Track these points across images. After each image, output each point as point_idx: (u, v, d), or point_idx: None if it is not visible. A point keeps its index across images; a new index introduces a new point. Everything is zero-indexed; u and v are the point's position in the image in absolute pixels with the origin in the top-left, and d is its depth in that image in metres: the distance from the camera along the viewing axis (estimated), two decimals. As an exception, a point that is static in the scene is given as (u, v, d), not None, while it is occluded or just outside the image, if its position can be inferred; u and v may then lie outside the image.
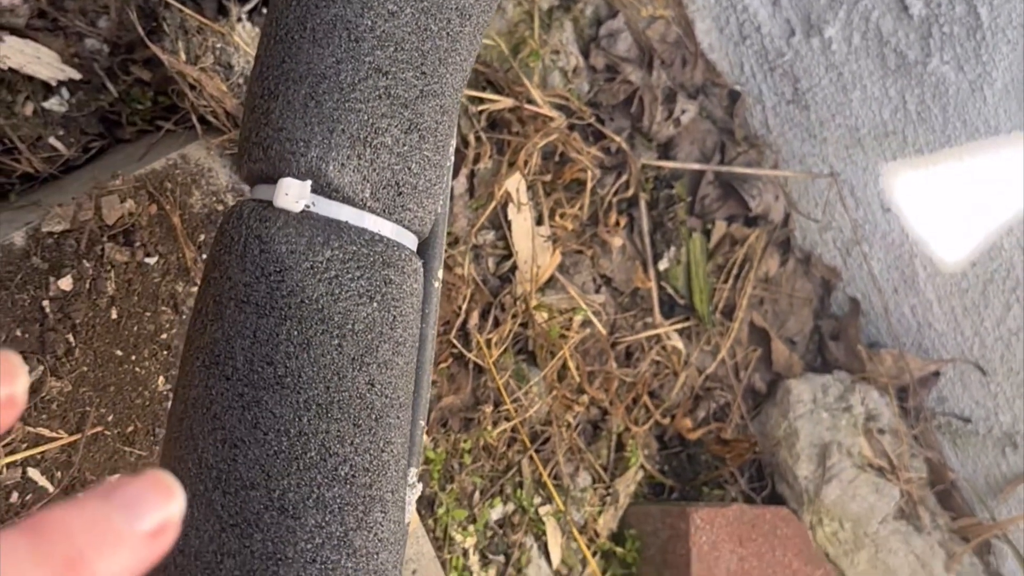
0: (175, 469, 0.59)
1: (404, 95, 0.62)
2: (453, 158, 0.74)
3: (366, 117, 0.61)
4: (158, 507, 0.33)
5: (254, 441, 0.57)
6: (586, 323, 1.39)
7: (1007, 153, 1.39)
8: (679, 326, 1.50)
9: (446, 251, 1.24)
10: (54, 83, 0.98)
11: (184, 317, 0.90)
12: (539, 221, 1.35)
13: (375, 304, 0.60)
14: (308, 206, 0.60)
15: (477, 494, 1.26)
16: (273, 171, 0.61)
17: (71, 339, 0.84)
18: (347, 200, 0.61)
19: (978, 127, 1.40)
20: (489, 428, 1.26)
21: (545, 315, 1.33)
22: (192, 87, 0.94)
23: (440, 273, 0.73)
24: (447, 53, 0.65)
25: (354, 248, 0.60)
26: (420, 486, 0.70)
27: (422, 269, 0.66)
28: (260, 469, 0.57)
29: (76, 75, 0.98)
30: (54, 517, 0.30)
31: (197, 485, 0.58)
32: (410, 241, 0.65)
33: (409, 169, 0.63)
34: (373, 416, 0.60)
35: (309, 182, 0.60)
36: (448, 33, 0.64)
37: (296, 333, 0.58)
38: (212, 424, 0.58)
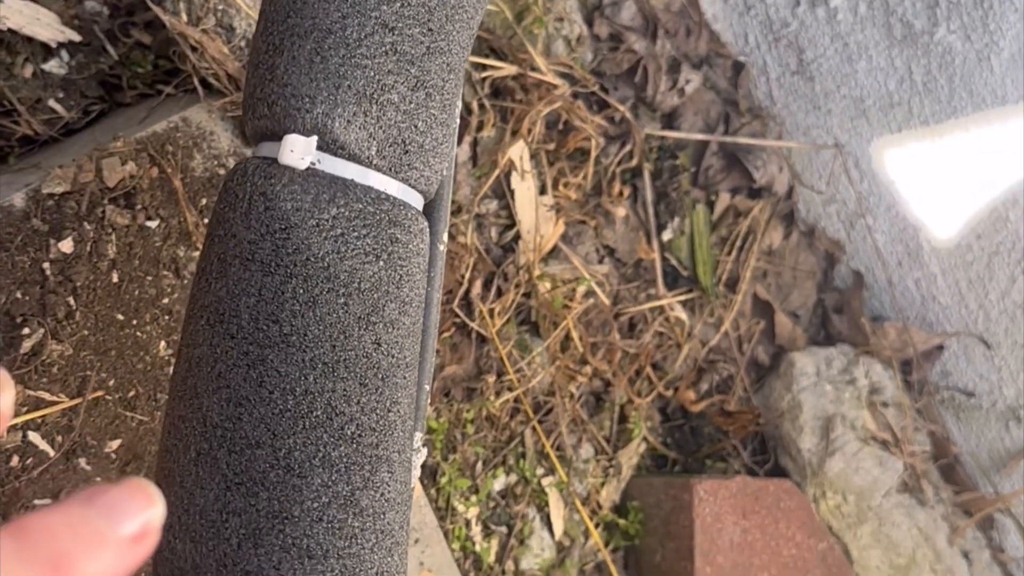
0: (179, 428, 0.58)
1: (411, 52, 0.61)
2: (458, 121, 0.73)
3: (372, 73, 0.60)
4: (139, 512, 0.33)
5: (259, 400, 0.57)
6: (589, 294, 1.38)
7: (1014, 124, 1.38)
8: (682, 298, 1.49)
9: (449, 220, 1.23)
10: (54, 45, 0.97)
11: (186, 281, 0.90)
12: (542, 190, 1.34)
13: (381, 262, 0.59)
14: (313, 163, 0.59)
15: (480, 464, 1.25)
16: (278, 127, 0.60)
17: (72, 302, 0.83)
18: (353, 157, 0.60)
19: (985, 97, 1.39)
20: (492, 398, 1.25)
21: (548, 285, 1.32)
22: (194, 49, 0.92)
23: (445, 236, 0.72)
24: (454, 10, 0.64)
25: (360, 206, 0.59)
26: (425, 451, 0.70)
27: (428, 229, 0.65)
28: (266, 428, 0.56)
29: (76, 37, 0.97)
30: (38, 520, 0.31)
31: (202, 444, 0.57)
32: (416, 200, 0.64)
33: (415, 127, 0.62)
34: (379, 375, 0.59)
35: (315, 138, 0.59)
36: (455, -11, 0.63)
37: (302, 291, 0.57)
38: (217, 383, 0.58)
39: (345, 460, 0.57)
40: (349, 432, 0.57)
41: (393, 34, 0.61)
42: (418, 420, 0.68)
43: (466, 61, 0.68)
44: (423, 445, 0.69)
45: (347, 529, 0.57)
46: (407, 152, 0.62)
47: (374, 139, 0.60)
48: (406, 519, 0.63)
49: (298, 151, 0.59)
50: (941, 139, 1.47)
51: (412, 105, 0.62)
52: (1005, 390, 1.57)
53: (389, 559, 0.59)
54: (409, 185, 0.63)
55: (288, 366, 0.57)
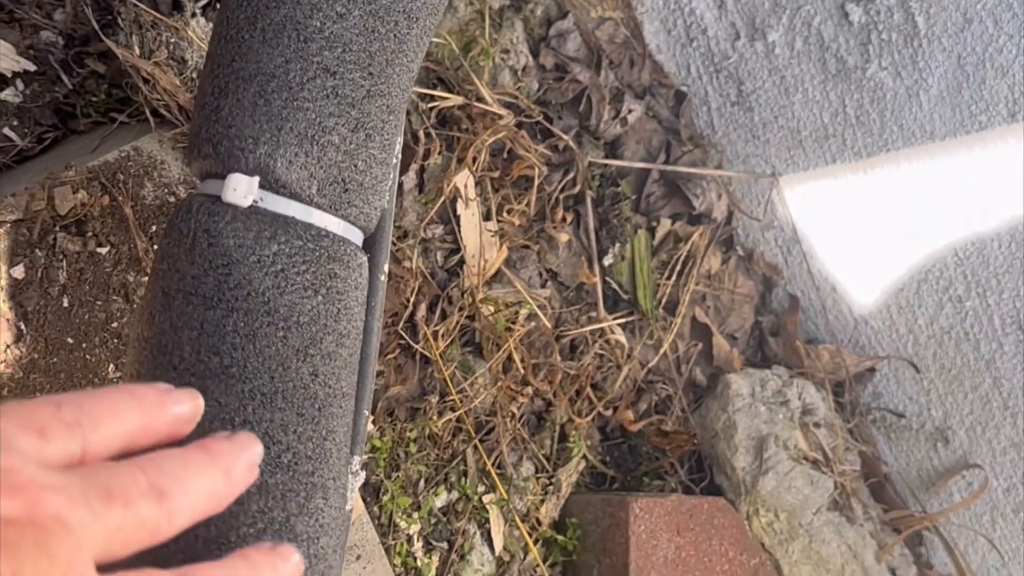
0: (122, 455, 0.60)
1: (351, 95, 0.64)
2: (401, 156, 0.76)
3: (314, 116, 0.62)
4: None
5: (199, 431, 0.59)
6: (532, 316, 1.41)
7: (941, 158, 1.43)
8: (623, 320, 1.53)
9: (395, 244, 1.26)
10: (9, 74, 0.99)
11: (135, 306, 0.92)
12: (487, 216, 1.37)
13: (320, 297, 0.62)
14: (256, 201, 0.61)
15: (422, 482, 1.28)
16: (222, 167, 0.62)
17: (22, 327, 0.86)
18: (294, 196, 0.62)
19: (914, 132, 1.44)
20: (435, 418, 1.28)
21: (491, 308, 1.36)
22: (146, 80, 0.95)
23: (386, 267, 0.74)
24: (394, 55, 0.66)
25: (300, 243, 0.61)
26: (363, 474, 0.72)
27: (367, 263, 0.68)
28: (206, 456, 0.59)
29: (31, 67, 0.99)
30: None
31: (144, 471, 0.59)
32: (356, 236, 0.67)
33: (355, 167, 0.64)
34: (316, 406, 0.61)
35: (257, 178, 0.61)
36: (395, 35, 0.66)
37: (242, 324, 0.59)
38: (160, 412, 0.60)
39: (281, 488, 0.59)
40: (286, 460, 0.59)
41: (334, 78, 0.63)
42: (357, 444, 0.71)
43: (406, 102, 0.71)
44: (361, 468, 0.72)
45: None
46: (347, 190, 0.64)
47: (315, 178, 0.62)
48: (340, 543, 0.65)
49: (241, 190, 0.61)
50: (873, 171, 1.51)
51: (352, 146, 0.64)
52: (933, 412, 1.61)
53: (322, 584, 0.62)
54: (349, 222, 0.65)
55: (228, 397, 0.59)
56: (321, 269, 0.62)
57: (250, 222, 0.60)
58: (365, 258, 0.67)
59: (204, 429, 0.58)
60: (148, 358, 0.61)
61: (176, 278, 0.61)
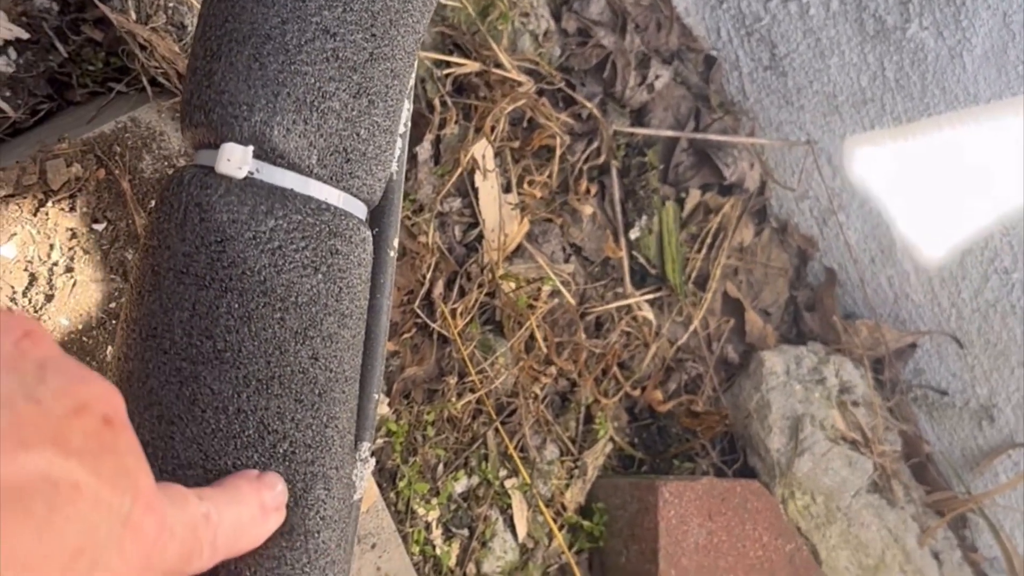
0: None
1: (353, 58, 0.60)
2: (414, 125, 0.72)
3: (312, 80, 0.58)
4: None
5: (192, 419, 0.55)
6: (555, 293, 1.37)
7: (986, 122, 1.37)
8: (650, 296, 1.48)
9: (410, 218, 1.21)
10: (1, 43, 0.94)
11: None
12: (507, 188, 1.33)
13: (320, 275, 0.58)
14: (251, 173, 0.58)
15: (441, 467, 1.24)
16: (215, 136, 0.58)
17: (14, 308, 0.82)
18: (292, 167, 0.58)
19: (957, 95, 1.38)
20: (453, 400, 1.24)
21: (512, 285, 1.31)
22: (143, 47, 0.90)
23: (396, 242, 0.70)
24: (399, 15, 0.62)
25: (299, 217, 0.57)
26: (373, 461, 0.68)
27: (371, 238, 0.64)
28: (197, 448, 0.55)
29: (24, 34, 0.95)
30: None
31: (131, 464, 0.55)
32: (359, 210, 0.63)
33: (358, 135, 0.61)
34: (316, 391, 0.58)
35: (251, 147, 0.57)
36: (400, -8, 0.62)
37: (237, 306, 0.56)
38: (148, 399, 0.56)
39: None
40: (282, 450, 0.56)
41: (335, 40, 0.59)
42: (366, 430, 0.67)
43: (412, 66, 0.67)
44: (371, 455, 0.68)
45: (276, 548, 0.56)
46: (349, 160, 0.60)
47: (314, 148, 0.59)
48: (345, 536, 0.61)
49: (235, 160, 0.57)
50: (914, 136, 1.46)
51: (354, 112, 0.60)
52: (978, 389, 1.56)
53: (322, 579, 0.59)
54: (351, 194, 0.62)
55: (221, 383, 0.55)
56: (321, 245, 0.58)
57: (245, 195, 0.57)
58: (369, 233, 0.63)
59: (196, 417, 0.55)
60: (137, 341, 0.58)
61: (166, 255, 0.58)
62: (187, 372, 0.56)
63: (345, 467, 0.61)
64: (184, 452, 0.55)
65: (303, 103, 0.58)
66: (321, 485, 0.58)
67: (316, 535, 0.58)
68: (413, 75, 0.68)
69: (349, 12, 0.59)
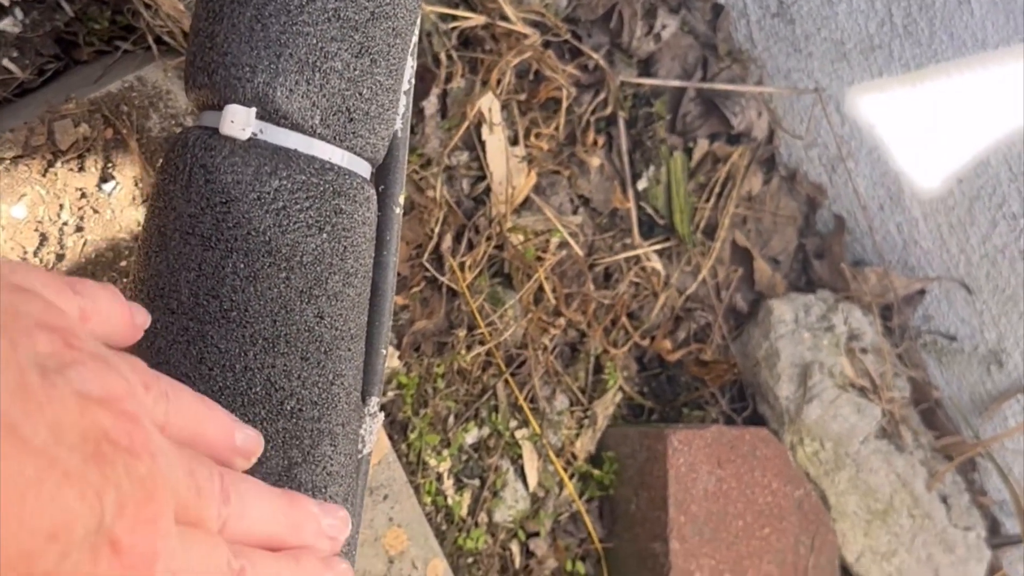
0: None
1: (354, 17, 0.60)
2: (420, 80, 0.72)
3: (315, 41, 0.59)
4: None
5: (199, 377, 0.56)
6: (563, 245, 1.37)
7: (994, 68, 1.36)
8: (659, 247, 1.48)
9: (418, 173, 1.21)
10: (7, 2, 0.94)
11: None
12: (514, 141, 1.32)
13: (324, 234, 0.59)
14: (255, 134, 0.58)
15: (451, 418, 1.25)
16: (218, 97, 0.59)
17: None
18: (296, 127, 0.59)
19: (965, 41, 1.37)
20: (463, 352, 1.25)
21: (521, 237, 1.31)
22: (147, 6, 0.90)
23: (401, 199, 0.71)
24: (400, -29, 0.62)
25: (303, 177, 0.58)
26: (382, 415, 0.69)
27: (375, 197, 0.64)
28: (205, 406, 0.56)
29: (29, -7, 0.95)
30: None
31: (140, 423, 0.57)
32: (362, 169, 0.63)
33: (360, 94, 0.61)
34: (322, 349, 0.59)
35: (255, 108, 0.58)
36: (402, -51, 0.62)
37: (242, 266, 0.56)
38: (156, 359, 0.57)
39: (283, 435, 0.57)
40: (289, 407, 0.57)
41: (336, -1, 0.59)
42: (374, 385, 0.68)
43: (415, 24, 0.67)
44: (380, 409, 0.69)
45: (282, 505, 0.57)
46: (352, 120, 0.61)
47: (317, 108, 0.59)
48: (352, 491, 0.63)
49: (239, 121, 0.58)
50: (922, 83, 1.45)
51: (356, 72, 0.61)
52: (986, 334, 1.56)
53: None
54: (355, 153, 0.62)
55: (228, 342, 0.56)
56: (326, 205, 0.59)
57: (249, 156, 0.57)
58: (373, 192, 0.64)
59: (204, 375, 0.56)
60: (144, 301, 0.59)
61: (172, 216, 0.58)
62: (194, 331, 0.56)
63: (351, 423, 0.62)
64: (193, 410, 0.56)
65: (305, 63, 0.58)
66: (328, 441, 0.59)
67: (323, 490, 0.59)
68: (416, 32, 0.69)
69: (350, -30, 0.60)
